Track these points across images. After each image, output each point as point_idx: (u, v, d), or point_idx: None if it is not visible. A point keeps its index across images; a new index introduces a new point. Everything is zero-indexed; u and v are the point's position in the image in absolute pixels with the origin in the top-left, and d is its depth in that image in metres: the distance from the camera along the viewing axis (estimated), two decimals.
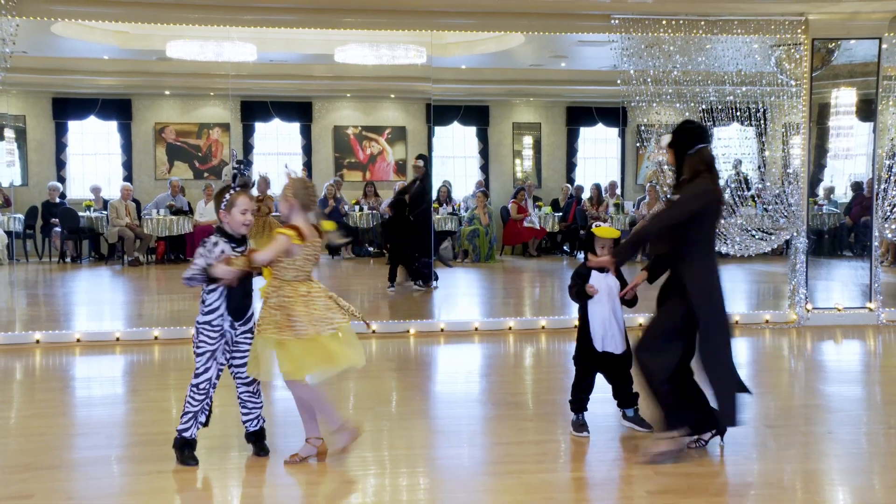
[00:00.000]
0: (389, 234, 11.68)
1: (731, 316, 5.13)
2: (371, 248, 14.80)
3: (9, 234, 13.45)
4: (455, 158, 16.57)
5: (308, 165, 15.70)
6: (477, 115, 16.51)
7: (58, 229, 14.06)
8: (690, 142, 4.98)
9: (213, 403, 4.94)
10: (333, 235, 5.06)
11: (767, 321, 9.26)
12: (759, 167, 9.36)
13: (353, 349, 4.82)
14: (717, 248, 5.44)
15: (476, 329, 8.91)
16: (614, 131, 16.09)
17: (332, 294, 4.83)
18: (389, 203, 11.77)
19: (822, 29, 9.00)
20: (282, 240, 4.60)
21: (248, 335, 4.85)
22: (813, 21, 8.94)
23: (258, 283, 4.92)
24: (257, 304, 4.88)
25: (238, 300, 4.76)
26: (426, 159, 11.61)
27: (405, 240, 11.27)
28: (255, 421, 4.99)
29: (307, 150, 15.68)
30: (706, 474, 4.77)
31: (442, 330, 8.86)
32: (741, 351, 8.37)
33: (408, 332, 8.79)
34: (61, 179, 14.96)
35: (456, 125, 16.34)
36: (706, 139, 5.03)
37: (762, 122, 9.09)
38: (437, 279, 11.43)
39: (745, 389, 5.14)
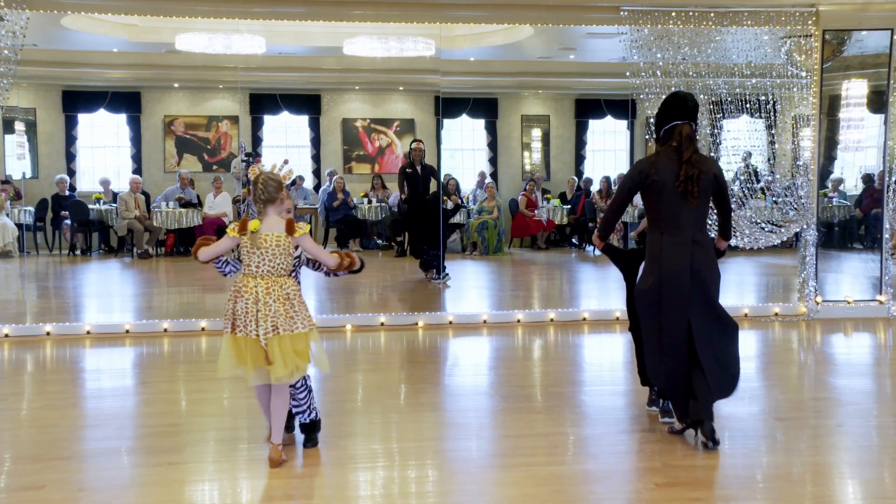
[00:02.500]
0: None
1: (670, 298, 4.92)
2: (379, 241, 14.82)
3: (19, 226, 13.54)
4: (464, 151, 16.59)
5: (316, 158, 15.73)
6: (486, 108, 16.51)
7: (68, 222, 14.11)
8: (668, 118, 4.95)
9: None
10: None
11: (777, 314, 9.23)
12: (769, 159, 9.35)
13: (262, 363, 4.61)
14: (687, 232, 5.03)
15: (485, 322, 8.91)
16: (623, 123, 16.08)
17: (287, 302, 4.63)
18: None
19: (832, 20, 8.97)
20: (224, 237, 4.73)
21: None
22: (824, 12, 8.91)
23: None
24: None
25: None
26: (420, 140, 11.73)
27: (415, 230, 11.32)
28: (302, 414, 5.05)
29: (315, 142, 15.70)
30: (714, 466, 4.77)
31: (450, 322, 8.86)
32: (751, 343, 8.32)
33: (416, 324, 8.79)
34: (71, 172, 15.01)
35: (465, 118, 16.36)
36: (683, 115, 4.91)
37: (772, 113, 9.06)
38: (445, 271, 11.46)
39: (646, 383, 5.39)
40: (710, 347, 4.94)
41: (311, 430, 5.11)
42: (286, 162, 4.81)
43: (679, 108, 4.91)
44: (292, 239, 4.66)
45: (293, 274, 4.92)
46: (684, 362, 4.97)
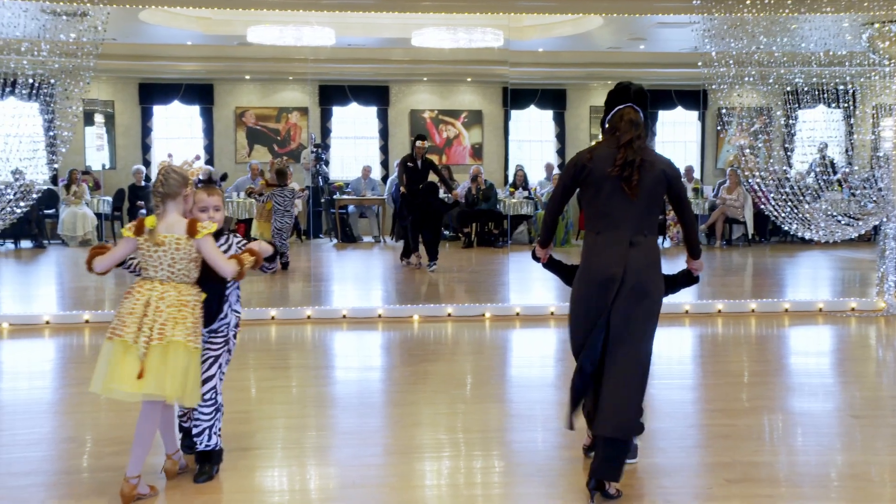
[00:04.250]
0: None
1: (585, 304, 4.27)
2: (447, 232, 14.85)
3: (98, 215, 13.91)
4: (531, 142, 16.46)
5: (384, 149, 15.83)
6: (554, 99, 16.32)
7: (143, 212, 14.33)
8: (611, 104, 4.47)
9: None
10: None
11: (853, 309, 9.04)
12: (847, 150, 9.14)
13: (133, 374, 4.01)
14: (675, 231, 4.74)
15: (552, 313, 8.88)
16: (694, 114, 15.82)
17: (178, 310, 4.09)
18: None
19: None
20: (120, 241, 4.29)
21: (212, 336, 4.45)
22: None
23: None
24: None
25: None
26: (424, 139, 11.80)
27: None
28: (199, 437, 4.49)
29: (384, 133, 15.78)
30: (787, 464, 4.71)
31: (517, 314, 8.87)
32: (826, 339, 8.29)
33: (483, 315, 8.81)
34: (146, 163, 15.25)
35: (532, 109, 16.21)
36: (627, 99, 4.40)
37: (851, 103, 8.88)
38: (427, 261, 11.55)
39: (574, 400, 4.37)
40: (620, 378, 4.19)
41: (208, 459, 4.45)
42: (198, 158, 4.47)
43: (622, 95, 4.42)
44: (193, 241, 4.12)
45: (230, 286, 4.45)
46: (592, 385, 4.32)
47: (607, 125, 4.43)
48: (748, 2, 8.56)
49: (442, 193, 11.96)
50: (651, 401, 5.87)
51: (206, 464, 4.44)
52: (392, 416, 5.35)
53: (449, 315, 8.78)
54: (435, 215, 11.64)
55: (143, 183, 14.60)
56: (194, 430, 4.45)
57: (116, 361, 4.05)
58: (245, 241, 4.52)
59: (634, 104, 4.39)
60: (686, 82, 14.60)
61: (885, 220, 8.97)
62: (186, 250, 4.11)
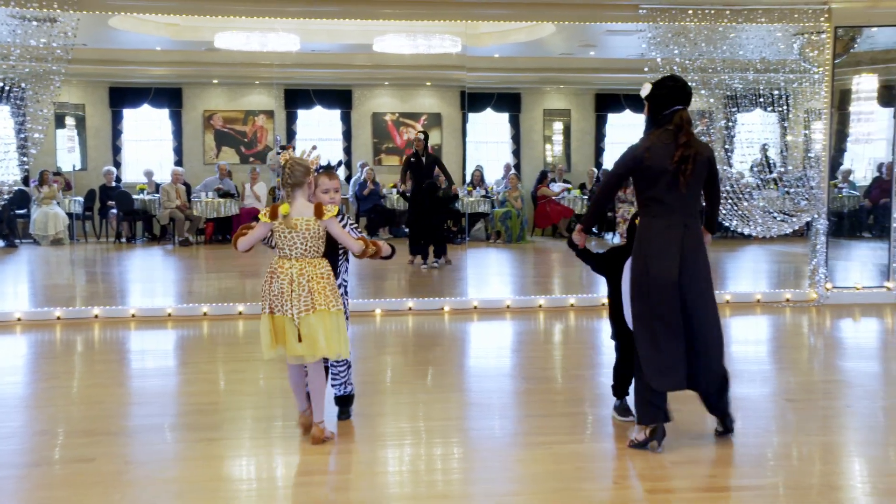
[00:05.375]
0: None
1: (659, 282, 4.67)
2: (407, 229, 15.08)
3: (70, 215, 13.88)
4: (488, 143, 16.66)
5: (348, 150, 15.97)
6: (509, 102, 16.58)
7: (114, 211, 14.42)
8: (668, 102, 4.74)
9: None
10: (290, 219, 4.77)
11: (788, 300, 9.35)
12: (782, 151, 9.47)
13: (294, 341, 4.73)
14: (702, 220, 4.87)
15: (508, 307, 9.04)
16: (641, 117, 15.99)
17: (315, 284, 4.72)
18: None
19: (844, 17, 9.04)
20: (258, 224, 4.85)
21: None
22: (836, 9, 9.00)
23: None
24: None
25: None
26: (426, 136, 11.88)
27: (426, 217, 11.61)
28: (338, 387, 5.26)
29: (347, 135, 15.79)
30: (727, 445, 4.84)
31: (475, 307, 8.99)
32: (763, 328, 8.46)
33: (442, 309, 8.95)
34: (117, 164, 15.25)
35: (489, 111, 16.42)
36: (685, 100, 4.74)
37: (785, 107, 9.17)
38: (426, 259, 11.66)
39: (618, 395, 5.07)
40: (709, 335, 4.74)
41: (345, 403, 5.26)
42: (314, 148, 4.90)
43: (680, 94, 4.72)
44: (320, 222, 4.70)
45: (340, 259, 5.11)
46: (682, 350, 4.70)
47: (661, 119, 4.74)
48: (690, 12, 8.86)
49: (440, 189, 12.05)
50: (602, 388, 6.00)
51: (344, 405, 5.28)
52: (355, 407, 5.37)
53: (410, 309, 8.91)
54: (441, 212, 11.73)
55: (113, 183, 14.55)
56: (333, 382, 5.22)
57: (277, 332, 4.74)
58: (356, 225, 5.16)
59: (688, 104, 4.76)
60: (634, 87, 14.84)
61: (816, 216, 9.29)
62: (315, 230, 4.71)
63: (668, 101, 4.73)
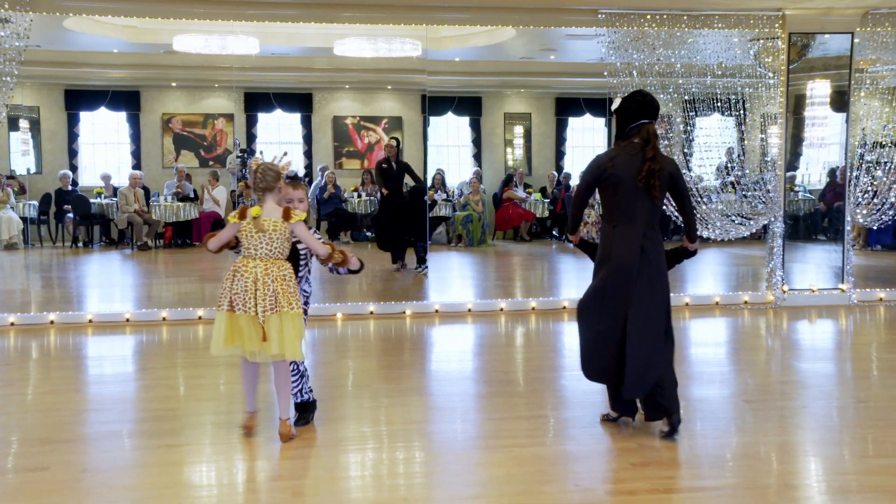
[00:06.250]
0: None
1: (614, 288, 4.90)
2: (369, 234, 15.05)
3: (24, 219, 13.74)
4: (449, 147, 16.75)
5: (308, 154, 15.90)
6: (470, 106, 16.69)
7: (70, 215, 14.26)
8: (635, 115, 4.91)
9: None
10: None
11: (746, 302, 9.48)
12: (739, 155, 9.62)
13: (257, 339, 4.81)
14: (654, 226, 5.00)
15: (469, 310, 9.07)
16: (601, 121, 16.29)
17: (278, 284, 4.80)
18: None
19: (798, 24, 9.22)
20: (227, 226, 4.98)
21: None
22: (790, 16, 9.16)
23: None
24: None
25: None
26: (398, 142, 11.89)
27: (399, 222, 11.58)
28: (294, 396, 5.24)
29: (308, 139, 15.79)
30: (687, 447, 4.91)
31: (436, 311, 9.00)
32: (721, 330, 8.57)
33: (404, 313, 8.95)
34: (73, 168, 15.11)
35: (450, 115, 16.52)
36: (652, 114, 4.90)
37: (741, 112, 9.30)
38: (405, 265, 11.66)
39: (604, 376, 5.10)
40: (640, 345, 4.87)
41: (303, 409, 5.29)
42: (285, 154, 5.02)
43: (648, 108, 4.89)
44: (288, 225, 4.83)
45: (302, 269, 5.16)
46: (615, 358, 4.94)
47: (627, 130, 4.91)
48: (649, 17, 8.95)
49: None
50: (563, 391, 6.08)
51: (303, 412, 5.28)
52: (317, 411, 5.37)
53: (371, 313, 8.91)
54: (416, 216, 11.56)
55: (69, 187, 14.43)
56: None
57: (234, 329, 4.83)
58: (319, 236, 5.20)
59: (655, 118, 4.91)
60: (593, 90, 15.01)
61: (773, 219, 9.43)
62: (282, 231, 4.83)
63: (635, 114, 4.90)
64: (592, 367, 5.11)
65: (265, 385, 5.68)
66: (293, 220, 4.84)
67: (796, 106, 9.75)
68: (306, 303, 5.29)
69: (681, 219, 5.39)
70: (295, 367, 5.16)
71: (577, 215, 5.27)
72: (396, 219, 11.53)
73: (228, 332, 4.85)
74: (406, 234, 11.58)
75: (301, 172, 15.63)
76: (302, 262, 5.16)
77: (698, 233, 9.40)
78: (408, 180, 11.84)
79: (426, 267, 11.08)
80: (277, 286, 4.79)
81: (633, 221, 4.89)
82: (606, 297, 4.94)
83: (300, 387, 5.24)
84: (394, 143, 11.67)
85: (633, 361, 4.88)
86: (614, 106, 5.03)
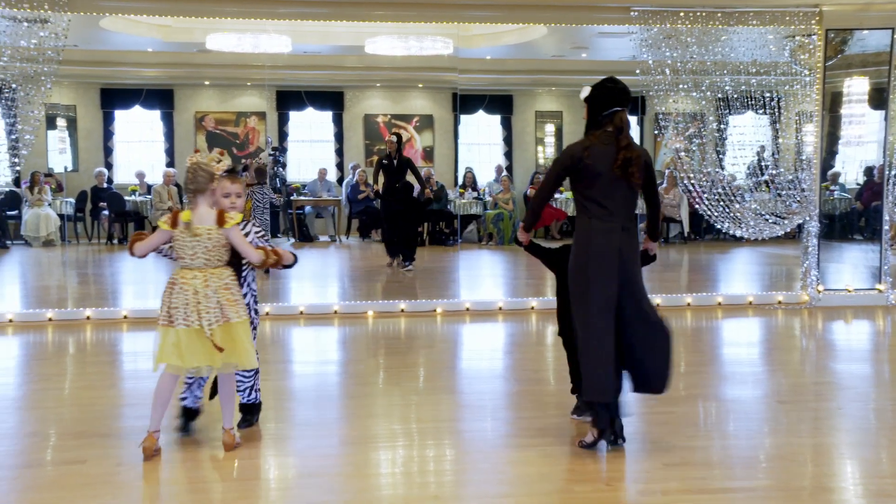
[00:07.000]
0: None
1: (599, 284, 4.62)
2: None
3: (61, 217, 13.98)
4: (480, 145, 16.72)
5: (339, 152, 16.00)
6: (501, 104, 16.62)
7: (105, 212, 14.45)
8: (607, 103, 4.70)
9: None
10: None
11: (780, 302, 9.37)
12: (773, 154, 9.51)
13: (204, 352, 4.55)
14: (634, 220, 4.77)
15: (500, 308, 9.05)
16: (633, 119, 16.17)
17: (221, 294, 4.56)
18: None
19: (835, 19, 9.07)
20: (157, 231, 4.70)
21: None
22: (827, 12, 9.03)
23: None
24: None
25: None
26: (400, 138, 11.86)
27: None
28: (242, 393, 5.11)
29: (339, 137, 15.86)
30: (720, 447, 4.88)
31: (467, 309, 8.99)
32: (754, 330, 8.48)
33: (435, 311, 8.96)
34: (108, 165, 15.31)
35: (481, 113, 16.46)
36: (624, 102, 4.70)
37: (776, 110, 9.19)
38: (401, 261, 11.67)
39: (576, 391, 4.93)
40: (637, 345, 4.71)
41: (250, 411, 5.13)
42: (223, 154, 4.74)
43: (620, 95, 4.68)
44: (222, 231, 4.55)
45: (245, 268, 4.91)
46: (613, 358, 4.67)
47: (601, 121, 4.66)
48: (682, 14, 8.86)
49: (414, 193, 12.02)
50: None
51: (248, 414, 5.11)
52: (348, 408, 5.38)
53: (402, 311, 8.91)
54: (411, 215, 11.63)
55: (104, 185, 14.63)
56: (238, 388, 5.01)
57: (186, 343, 4.51)
58: (263, 232, 4.99)
59: (627, 105, 4.71)
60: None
61: (807, 218, 9.31)
62: (217, 238, 4.56)
63: (607, 102, 4.68)
64: (608, 383, 4.66)
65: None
66: (228, 226, 4.55)
67: (832, 103, 9.63)
68: (255, 300, 5.06)
69: (646, 214, 5.05)
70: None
71: (537, 211, 4.90)
72: (392, 216, 11.52)
73: (173, 348, 4.54)
74: (401, 232, 11.58)
75: (332, 171, 15.72)
76: (245, 262, 4.88)
77: (731, 231, 9.54)
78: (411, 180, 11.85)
79: (410, 264, 11.09)
80: (221, 297, 4.54)
81: (611, 215, 4.64)
82: (592, 289, 4.63)
83: (253, 384, 5.09)
84: (394, 138, 11.62)
85: (652, 358, 4.71)
86: (584, 94, 4.79)
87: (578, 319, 4.73)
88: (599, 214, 4.64)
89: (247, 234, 4.82)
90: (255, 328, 4.95)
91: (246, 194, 10.65)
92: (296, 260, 4.99)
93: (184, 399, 5.04)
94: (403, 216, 11.50)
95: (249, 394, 5.11)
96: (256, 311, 5.07)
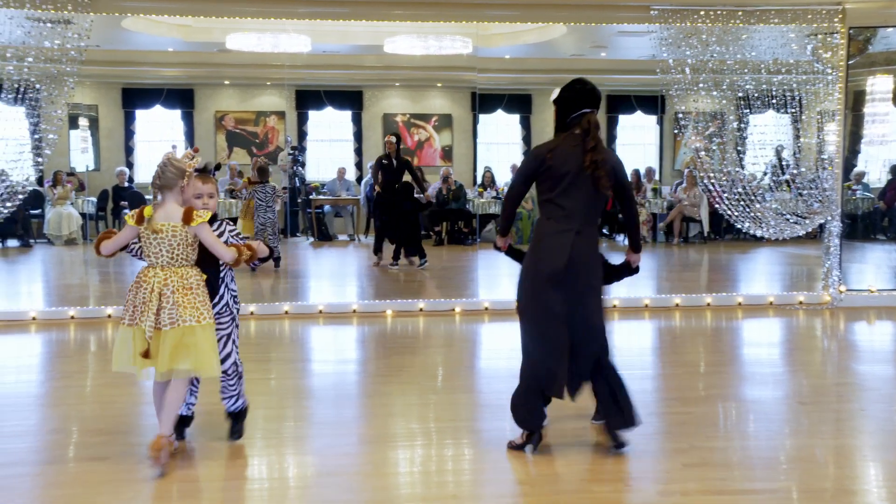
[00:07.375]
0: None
1: (543, 283, 4.57)
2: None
3: (83, 215, 14.09)
4: (499, 145, 16.71)
5: (358, 151, 16.05)
6: (520, 103, 16.60)
7: (126, 211, 14.50)
8: (576, 105, 4.63)
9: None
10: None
11: (801, 302, 9.31)
12: (795, 153, 9.41)
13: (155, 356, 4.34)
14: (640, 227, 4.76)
15: None
16: (652, 119, 16.13)
17: (183, 295, 4.34)
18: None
19: (858, 17, 9.00)
20: (124, 228, 4.53)
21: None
22: (850, 10, 8.96)
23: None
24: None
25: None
26: (399, 138, 11.83)
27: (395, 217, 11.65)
28: (229, 400, 4.96)
29: (358, 136, 15.92)
30: (739, 448, 4.85)
31: (486, 308, 8.98)
32: (775, 330, 8.41)
33: (453, 310, 8.96)
34: (129, 165, 15.43)
35: (500, 113, 16.46)
36: (593, 104, 4.62)
37: (798, 109, 9.12)
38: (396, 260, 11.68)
39: (546, 391, 4.69)
40: (581, 347, 4.67)
41: (238, 418, 4.97)
42: (197, 151, 4.59)
43: (588, 97, 4.61)
44: (188, 228, 4.35)
45: (223, 268, 4.73)
46: (565, 351, 4.63)
47: (569, 123, 4.61)
48: (702, 13, 8.83)
49: (416, 194, 12.04)
50: None
51: (236, 423, 4.95)
52: (366, 407, 5.37)
53: (421, 310, 8.92)
54: (409, 215, 11.64)
55: (126, 184, 14.73)
56: (223, 396, 4.88)
57: (141, 345, 4.32)
58: (237, 230, 4.83)
59: (596, 107, 4.62)
60: (645, 88, 14.83)
61: (829, 218, 9.24)
62: (183, 236, 4.35)
63: (575, 104, 4.62)
64: (557, 378, 4.65)
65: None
66: (195, 224, 4.32)
67: (855, 102, 9.56)
68: (235, 301, 4.85)
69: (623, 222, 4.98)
70: (234, 368, 4.82)
71: (510, 214, 4.84)
72: (388, 215, 11.55)
73: (124, 348, 4.39)
74: (403, 233, 11.59)
75: (351, 170, 15.75)
76: (222, 263, 4.64)
77: (752, 231, 9.46)
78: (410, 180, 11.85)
79: (423, 262, 11.14)
80: (179, 297, 4.31)
81: (568, 217, 4.56)
82: (538, 297, 4.61)
83: (238, 391, 4.90)
84: (394, 139, 11.62)
85: (576, 365, 4.68)
86: (553, 96, 4.71)
87: (525, 315, 4.70)
88: (556, 216, 4.59)
89: (221, 234, 4.65)
90: (237, 327, 4.84)
91: (248, 194, 10.56)
92: (271, 253, 4.91)
93: (223, 401, 4.99)
94: (405, 217, 11.52)
95: (236, 401, 4.92)
96: (237, 312, 4.88)
